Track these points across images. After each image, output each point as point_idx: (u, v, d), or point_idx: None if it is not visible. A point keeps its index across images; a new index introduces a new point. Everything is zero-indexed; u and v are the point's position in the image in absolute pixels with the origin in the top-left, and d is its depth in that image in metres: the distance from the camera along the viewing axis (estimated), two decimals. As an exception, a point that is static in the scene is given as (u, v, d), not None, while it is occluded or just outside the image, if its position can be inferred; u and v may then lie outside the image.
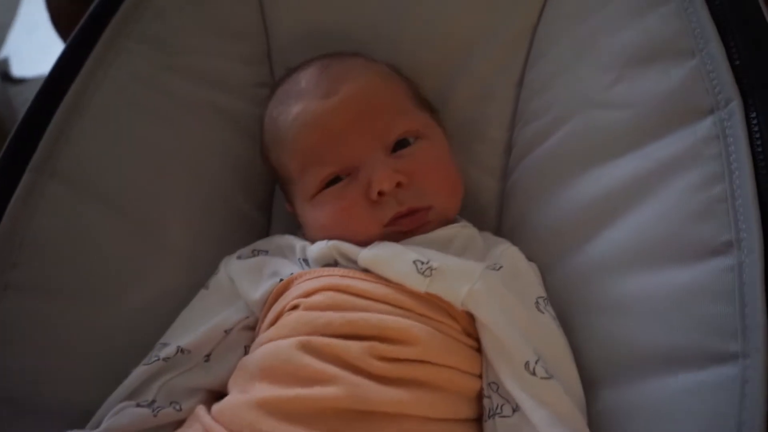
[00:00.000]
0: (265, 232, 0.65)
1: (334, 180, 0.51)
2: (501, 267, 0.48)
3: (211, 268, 0.55)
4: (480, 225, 0.55)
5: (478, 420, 0.45)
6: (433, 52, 0.62)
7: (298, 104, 0.53)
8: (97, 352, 0.50)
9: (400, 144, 0.52)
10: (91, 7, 0.56)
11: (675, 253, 0.42)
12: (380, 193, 0.49)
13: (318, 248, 0.50)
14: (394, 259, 0.46)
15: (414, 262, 0.45)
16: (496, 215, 0.60)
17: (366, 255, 0.48)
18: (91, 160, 0.53)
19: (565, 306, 0.48)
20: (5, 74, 1.36)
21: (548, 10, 0.59)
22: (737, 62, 0.42)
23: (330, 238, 0.50)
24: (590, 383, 0.44)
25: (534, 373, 0.42)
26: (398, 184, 0.49)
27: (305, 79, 0.55)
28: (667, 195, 0.43)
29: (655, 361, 0.41)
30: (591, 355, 0.44)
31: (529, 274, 0.49)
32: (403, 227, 0.50)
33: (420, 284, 0.45)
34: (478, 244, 0.52)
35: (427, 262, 0.45)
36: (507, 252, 0.50)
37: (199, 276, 0.55)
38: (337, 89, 0.52)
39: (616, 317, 0.44)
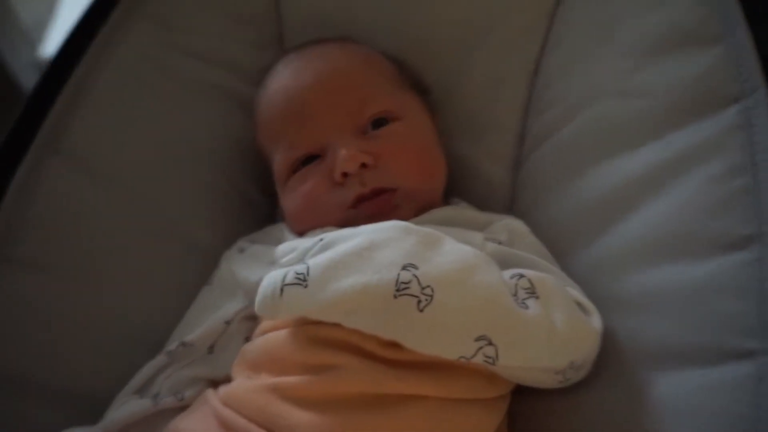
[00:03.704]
0: (271, 215, 0.63)
1: (308, 162, 0.50)
2: (500, 242, 0.46)
3: (214, 252, 0.54)
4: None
5: (499, 398, 0.43)
6: (446, 38, 0.60)
7: (273, 85, 0.53)
8: (97, 332, 0.49)
9: (377, 124, 0.50)
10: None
11: (693, 247, 0.41)
12: (345, 174, 0.47)
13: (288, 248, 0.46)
14: None
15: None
16: (505, 206, 0.58)
17: None
18: (95, 138, 0.53)
19: None
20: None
21: (567, -5, 0.58)
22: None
23: (302, 228, 0.49)
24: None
25: None
26: (363, 165, 0.47)
27: (284, 62, 0.55)
28: (686, 186, 0.42)
29: (669, 357, 0.40)
30: (602, 351, 0.43)
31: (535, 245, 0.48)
32: (366, 211, 0.47)
33: None
34: (479, 219, 0.49)
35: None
36: (511, 225, 0.48)
37: (200, 259, 0.54)
38: (311, 68, 0.51)
39: (631, 313, 0.43)
